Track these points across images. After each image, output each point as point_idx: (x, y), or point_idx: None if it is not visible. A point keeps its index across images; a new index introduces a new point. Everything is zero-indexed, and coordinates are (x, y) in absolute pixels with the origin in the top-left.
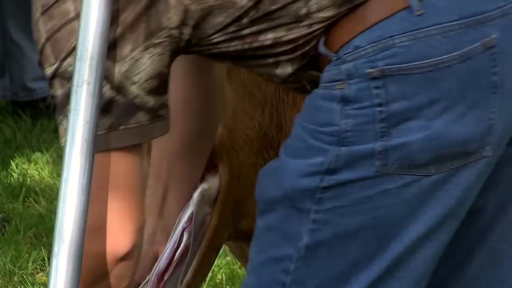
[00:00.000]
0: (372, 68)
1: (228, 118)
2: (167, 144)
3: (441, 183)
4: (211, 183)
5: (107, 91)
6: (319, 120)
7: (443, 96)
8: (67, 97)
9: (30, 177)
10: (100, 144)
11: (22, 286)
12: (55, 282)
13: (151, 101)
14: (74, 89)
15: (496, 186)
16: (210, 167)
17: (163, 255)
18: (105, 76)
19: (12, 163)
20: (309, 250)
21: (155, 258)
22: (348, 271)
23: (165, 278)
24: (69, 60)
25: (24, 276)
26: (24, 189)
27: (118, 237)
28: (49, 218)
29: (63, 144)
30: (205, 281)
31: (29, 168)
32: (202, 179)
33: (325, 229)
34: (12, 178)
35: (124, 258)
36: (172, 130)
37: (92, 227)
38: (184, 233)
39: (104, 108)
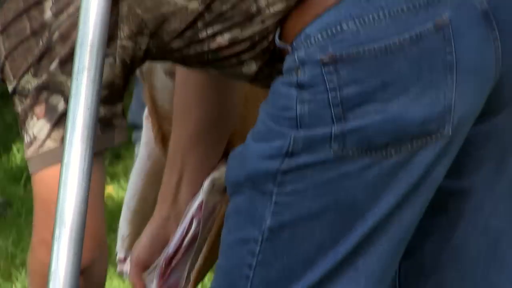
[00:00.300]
0: (323, 54)
1: (240, 105)
2: (182, 132)
3: (402, 164)
4: (222, 172)
5: (60, 105)
6: (279, 105)
7: (397, 78)
8: (26, 113)
9: None
10: (54, 157)
11: (24, 269)
12: (56, 265)
13: (102, 111)
14: (74, 76)
15: (479, 165)
16: (223, 156)
17: (171, 242)
18: (60, 91)
19: (13, 147)
20: (273, 232)
21: (166, 242)
22: (314, 253)
23: (173, 264)
24: (26, 77)
25: (26, 259)
26: (25, 173)
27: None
28: None
29: (27, 157)
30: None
31: None
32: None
33: (287, 212)
34: (13, 162)
35: (82, 272)
36: (187, 118)
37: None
38: (194, 220)
39: (57, 122)
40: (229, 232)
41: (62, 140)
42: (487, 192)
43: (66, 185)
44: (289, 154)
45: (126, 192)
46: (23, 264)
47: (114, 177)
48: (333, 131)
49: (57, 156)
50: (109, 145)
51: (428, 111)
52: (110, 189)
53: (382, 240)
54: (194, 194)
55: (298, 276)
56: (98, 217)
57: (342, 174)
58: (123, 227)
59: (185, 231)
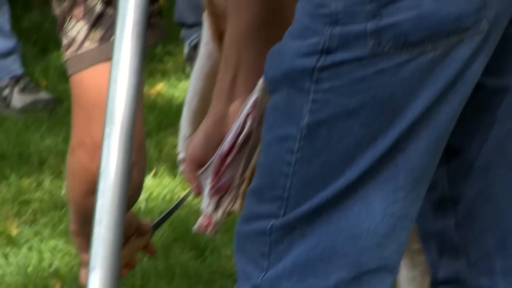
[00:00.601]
0: None
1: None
2: (237, 28)
3: (439, 60)
4: None
5: (98, 6)
6: (314, 2)
7: None
8: (64, 15)
9: None
10: (92, 58)
11: None
12: (106, 163)
13: None
14: None
15: None
16: None
17: (226, 139)
18: None
19: None
20: (311, 129)
21: (221, 140)
22: (352, 150)
23: (227, 162)
24: None
25: None
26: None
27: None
28: None
29: (65, 59)
30: None
31: None
32: None
33: (325, 109)
34: (63, 59)
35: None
36: (241, 13)
37: (91, 144)
38: (248, 118)
39: (95, 22)
40: (268, 130)
41: (101, 40)
42: None
43: (116, 83)
44: (325, 51)
45: (187, 92)
46: None
47: (164, 75)
48: (367, 28)
49: (95, 57)
50: (149, 44)
51: (463, 6)
52: (161, 87)
53: (421, 136)
54: (249, 91)
55: (338, 174)
56: (140, 117)
57: (378, 70)
58: (185, 127)
59: (239, 128)
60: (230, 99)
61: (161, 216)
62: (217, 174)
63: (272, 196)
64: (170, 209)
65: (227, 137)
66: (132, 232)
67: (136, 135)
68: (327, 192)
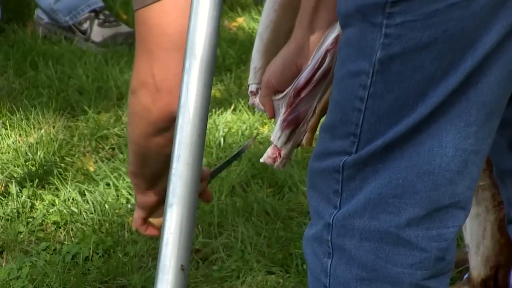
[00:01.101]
0: None
1: None
2: None
3: None
4: None
5: None
6: None
7: None
8: None
9: None
10: None
11: None
12: (186, 98)
13: None
14: None
15: None
16: None
17: (303, 72)
18: None
19: None
20: (383, 64)
21: (298, 71)
22: (424, 84)
23: (302, 95)
24: None
25: None
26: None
27: (176, 96)
28: None
29: None
30: None
31: None
32: None
33: (397, 43)
34: None
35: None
36: None
37: (153, 85)
38: (328, 54)
39: None
40: (341, 65)
41: None
42: None
43: (197, 16)
44: None
45: (259, 23)
46: None
47: (244, 8)
48: None
49: None
50: None
51: None
52: (241, 20)
53: (493, 70)
54: (331, 21)
55: (410, 108)
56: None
57: (450, 4)
58: (256, 59)
59: (318, 63)
60: (310, 28)
61: (220, 164)
62: (291, 106)
63: (345, 132)
64: (230, 157)
65: (304, 70)
66: None
67: None
68: (400, 127)
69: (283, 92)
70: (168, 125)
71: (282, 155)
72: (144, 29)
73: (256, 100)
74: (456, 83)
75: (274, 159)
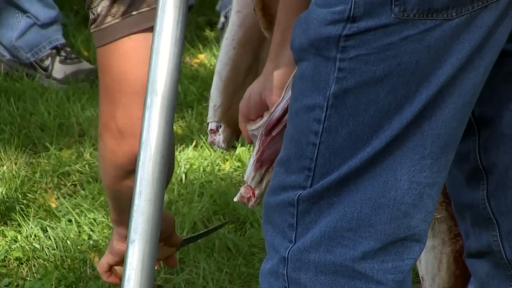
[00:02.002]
0: None
1: None
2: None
3: (464, 26)
4: None
5: None
6: None
7: None
8: None
9: None
10: (114, 33)
11: None
12: (147, 134)
13: None
14: None
15: None
16: None
17: (275, 110)
18: None
19: None
20: (338, 98)
21: (262, 103)
22: (379, 118)
23: (273, 134)
24: None
25: None
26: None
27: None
28: None
29: (92, 31)
30: None
31: None
32: None
33: (351, 77)
34: None
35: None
36: None
37: (116, 128)
38: None
39: None
40: (295, 100)
41: (123, 15)
42: None
43: (158, 53)
44: (351, 18)
45: (217, 61)
46: None
47: (206, 45)
48: None
49: (116, 32)
50: None
51: None
52: (202, 57)
53: (447, 103)
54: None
55: (365, 142)
56: None
57: (404, 37)
58: (215, 97)
59: (287, 103)
60: (276, 62)
61: (193, 235)
62: (263, 144)
63: (300, 166)
64: (204, 231)
65: (275, 109)
66: (163, 238)
67: None
68: (354, 161)
69: (255, 120)
70: (127, 170)
71: (256, 195)
72: (105, 72)
73: (216, 138)
74: (411, 116)
75: (249, 199)
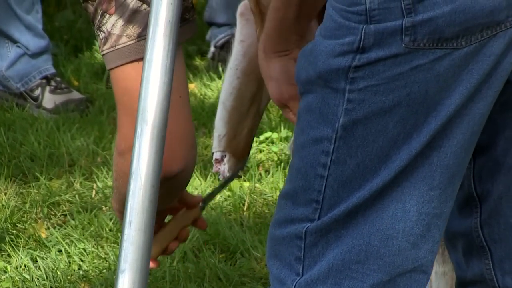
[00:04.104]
0: None
1: None
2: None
3: (473, 55)
4: None
5: (131, 1)
6: (346, 0)
7: None
8: (96, 10)
9: None
10: (130, 54)
11: (105, 167)
12: (137, 164)
13: None
14: None
15: None
16: None
17: None
18: None
19: (96, 43)
20: (346, 130)
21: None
22: (387, 148)
23: None
24: None
25: (108, 157)
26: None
27: (170, 160)
28: None
29: (103, 53)
30: None
31: None
32: None
33: (360, 108)
34: (95, 58)
35: (175, 176)
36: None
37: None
38: None
39: (130, 18)
40: (302, 132)
41: (138, 37)
42: None
43: (148, 82)
44: (360, 49)
45: (222, 91)
46: (104, 162)
47: (196, 74)
48: (403, 23)
49: (133, 53)
50: (186, 37)
51: (496, 0)
52: (193, 86)
53: (456, 133)
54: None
55: (373, 173)
56: (189, 114)
57: (413, 67)
58: (220, 126)
59: None
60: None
61: (212, 190)
62: None
63: (307, 199)
64: (221, 184)
65: None
66: (181, 205)
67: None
68: (363, 192)
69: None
70: (163, 184)
71: None
72: (124, 92)
73: (221, 167)
74: (420, 147)
75: None
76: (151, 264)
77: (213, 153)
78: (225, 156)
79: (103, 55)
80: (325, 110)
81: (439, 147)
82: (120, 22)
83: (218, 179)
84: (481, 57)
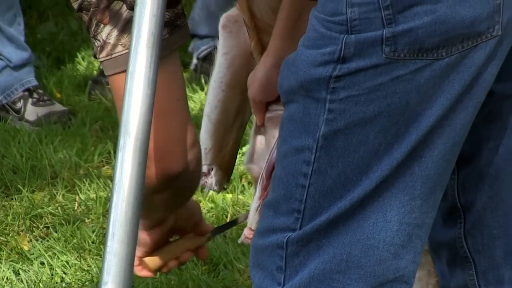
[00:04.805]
0: None
1: None
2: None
3: (453, 66)
4: None
5: (124, 12)
6: (328, 10)
7: None
8: (91, 20)
9: (96, 70)
10: (126, 63)
11: (88, 179)
12: (120, 176)
13: (166, 14)
14: None
15: None
16: None
17: (272, 152)
18: None
19: (78, 55)
20: (327, 139)
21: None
22: (368, 158)
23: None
24: None
25: (90, 169)
26: (90, 82)
27: (169, 161)
28: (115, 111)
29: (100, 60)
30: None
31: (95, 61)
32: None
33: (341, 118)
34: (78, 70)
35: (177, 176)
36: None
37: (154, 152)
38: None
39: (124, 28)
40: (284, 142)
41: None
42: None
43: (131, 94)
44: (341, 59)
45: (206, 104)
46: (87, 174)
47: None
48: (384, 34)
49: (127, 62)
50: (176, 46)
51: (477, 11)
52: None
53: (437, 144)
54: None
55: (354, 183)
56: (187, 117)
57: (394, 78)
58: (205, 139)
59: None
60: (292, 39)
61: (224, 223)
62: (266, 189)
63: (289, 208)
64: (234, 219)
65: (272, 151)
66: (190, 226)
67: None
68: (344, 202)
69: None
70: (166, 185)
71: None
72: (118, 99)
73: (208, 180)
74: (401, 157)
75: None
76: (147, 273)
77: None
78: (212, 169)
79: (101, 62)
80: (306, 120)
81: (420, 158)
82: (115, 32)
83: (202, 191)
84: (462, 68)
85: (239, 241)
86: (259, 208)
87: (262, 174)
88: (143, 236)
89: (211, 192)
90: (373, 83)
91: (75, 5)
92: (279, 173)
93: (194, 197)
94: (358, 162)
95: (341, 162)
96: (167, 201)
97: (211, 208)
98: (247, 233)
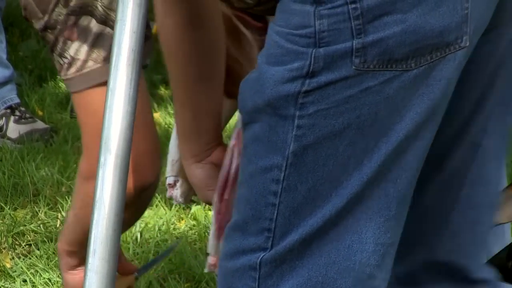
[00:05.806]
0: None
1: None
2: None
3: (422, 78)
4: None
5: (94, 26)
6: (293, 24)
7: None
8: (57, 39)
9: None
10: (98, 77)
11: (70, 197)
12: (101, 193)
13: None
14: (120, 0)
15: (472, 84)
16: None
17: (219, 176)
18: (88, 11)
19: None
20: (297, 156)
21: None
22: (338, 173)
23: (225, 197)
24: (57, 10)
25: (72, 187)
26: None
27: (146, 172)
28: None
29: (68, 77)
30: None
31: None
32: None
33: (310, 133)
34: (60, 88)
35: (149, 187)
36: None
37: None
38: (234, 149)
39: (95, 43)
40: (249, 162)
41: (104, 60)
42: (477, 108)
43: (111, 111)
44: (310, 74)
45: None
46: (69, 192)
47: (160, 103)
48: (354, 45)
49: (101, 76)
50: (150, 56)
51: (446, 21)
52: (157, 116)
53: (410, 162)
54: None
55: (324, 199)
56: (152, 127)
57: (363, 89)
58: (173, 152)
59: (229, 161)
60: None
61: (148, 262)
62: (219, 213)
63: (259, 228)
64: (157, 256)
65: (220, 174)
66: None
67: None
68: (315, 219)
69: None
70: (139, 197)
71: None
72: (93, 114)
73: (174, 192)
74: (371, 173)
75: (215, 266)
76: None
77: (166, 178)
78: (178, 181)
79: (67, 79)
80: (273, 138)
81: (390, 174)
82: (85, 48)
83: (173, 204)
84: (431, 81)
85: (205, 270)
86: (218, 233)
87: (214, 198)
88: (69, 276)
89: (193, 209)
90: (343, 95)
91: (38, 25)
92: (246, 194)
93: (176, 214)
94: (327, 176)
95: (310, 177)
96: (129, 219)
97: (193, 225)
98: (211, 260)
